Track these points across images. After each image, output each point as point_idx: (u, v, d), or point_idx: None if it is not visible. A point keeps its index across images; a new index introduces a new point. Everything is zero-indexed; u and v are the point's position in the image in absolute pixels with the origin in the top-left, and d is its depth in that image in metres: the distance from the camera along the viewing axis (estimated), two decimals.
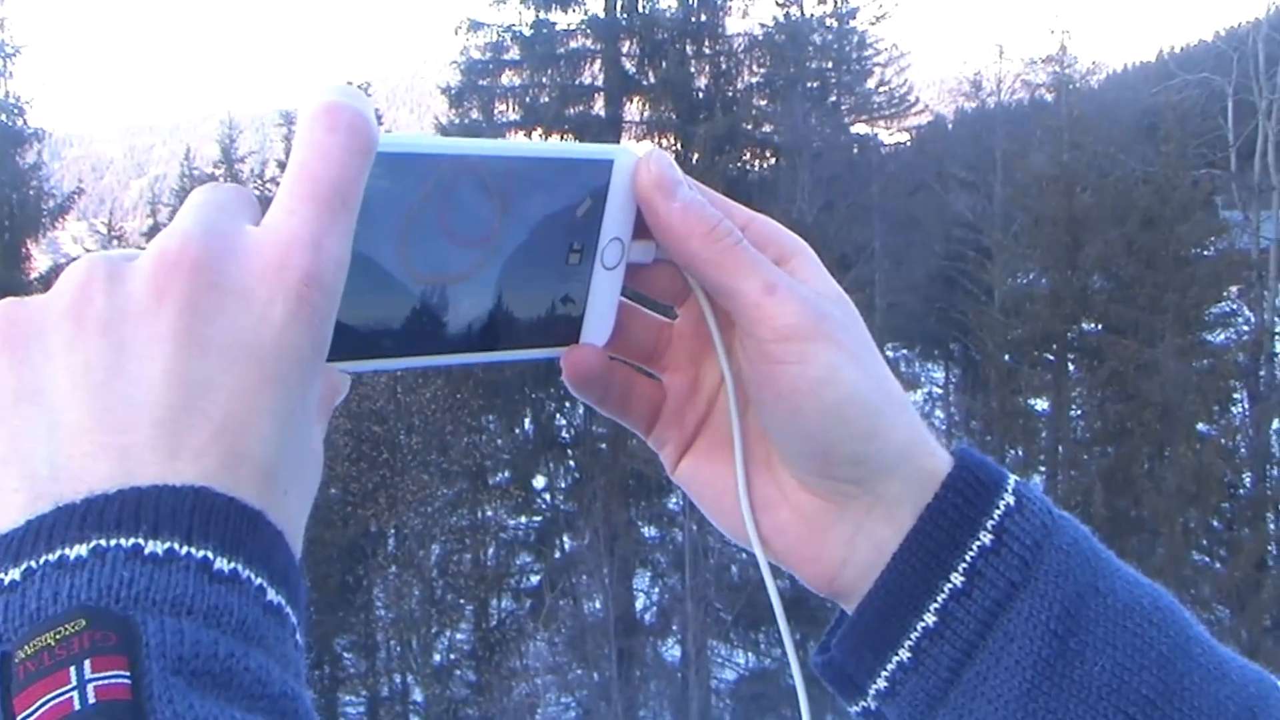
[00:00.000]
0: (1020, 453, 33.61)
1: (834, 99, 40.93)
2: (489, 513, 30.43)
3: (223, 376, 0.67)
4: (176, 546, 0.62)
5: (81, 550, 0.60)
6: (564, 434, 32.88)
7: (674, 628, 29.23)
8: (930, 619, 0.87)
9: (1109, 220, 31.05)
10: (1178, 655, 0.86)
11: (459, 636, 29.05)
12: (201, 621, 0.60)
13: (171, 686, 0.56)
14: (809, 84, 38.92)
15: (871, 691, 0.90)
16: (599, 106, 35.04)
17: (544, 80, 34.88)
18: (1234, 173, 33.93)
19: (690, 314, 0.98)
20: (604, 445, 30.15)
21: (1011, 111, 41.32)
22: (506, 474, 31.49)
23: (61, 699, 0.54)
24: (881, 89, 44.44)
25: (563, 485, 32.59)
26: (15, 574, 0.60)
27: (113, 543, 0.61)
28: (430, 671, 26.70)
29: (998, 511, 0.89)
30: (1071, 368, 32.58)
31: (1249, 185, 32.64)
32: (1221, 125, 35.20)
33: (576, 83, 34.88)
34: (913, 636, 0.88)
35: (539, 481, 32.48)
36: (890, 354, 42.77)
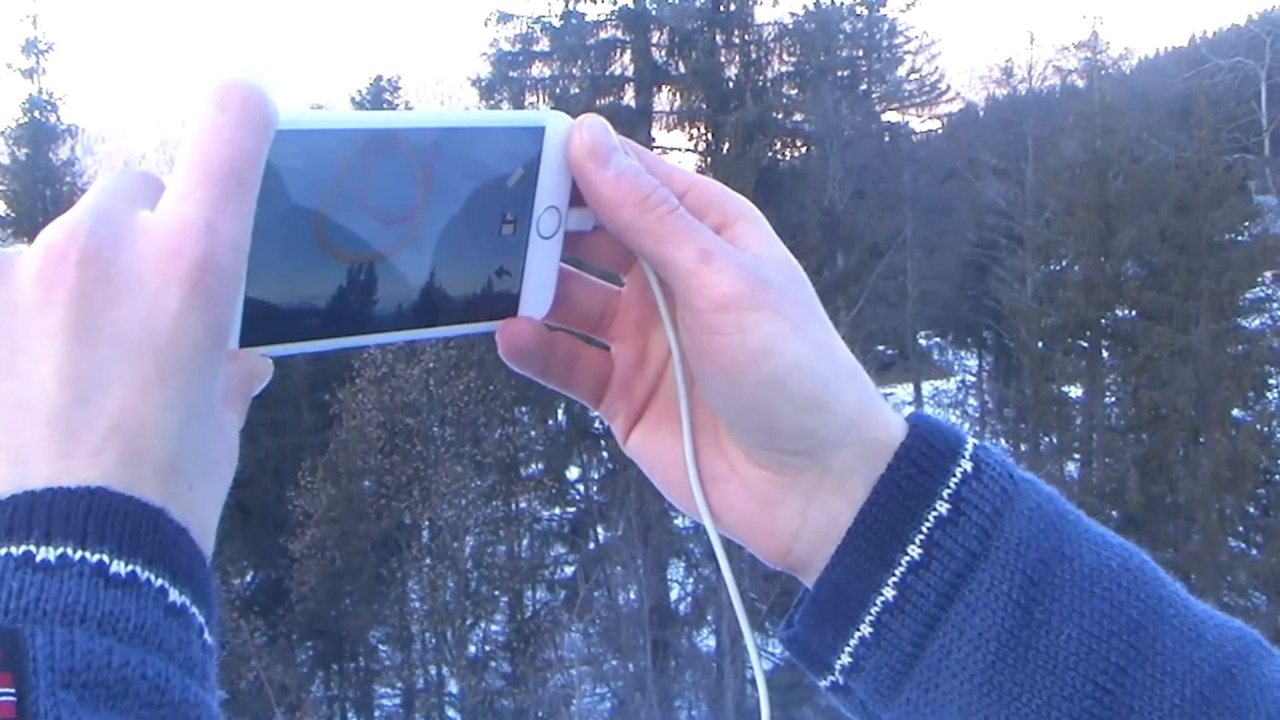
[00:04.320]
0: (1054, 440, 33.51)
1: (865, 87, 40.88)
2: (523, 504, 30.46)
3: (117, 370, 0.65)
4: (70, 552, 0.59)
5: None
6: (597, 425, 32.83)
7: (708, 618, 29.23)
8: (889, 593, 0.85)
9: (1142, 206, 30.90)
10: (1149, 619, 0.84)
11: (494, 628, 29.09)
12: (95, 630, 0.58)
13: (60, 702, 0.54)
14: (840, 72, 38.85)
15: (837, 667, 0.88)
16: (629, 97, 35.01)
17: (574, 71, 34.89)
18: (1268, 157, 33.79)
19: (636, 282, 0.95)
20: None
21: (1043, 98, 41.17)
22: (540, 465, 31.48)
23: None
24: (912, 76, 44.34)
25: (596, 476, 32.54)
26: None
27: (2, 551, 0.59)
28: (465, 663, 26.74)
29: (954, 480, 0.86)
30: (1105, 354, 32.43)
31: None
32: (1255, 109, 35.06)
33: (606, 73, 34.87)
34: (873, 611, 0.86)
35: (572, 473, 32.47)
36: (923, 342, 42.70)
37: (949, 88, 46.11)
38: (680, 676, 28.96)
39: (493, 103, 35.05)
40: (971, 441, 0.89)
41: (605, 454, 32.11)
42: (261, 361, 0.80)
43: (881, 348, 38.12)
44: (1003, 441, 33.03)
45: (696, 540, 30.47)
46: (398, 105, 37.67)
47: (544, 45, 35.19)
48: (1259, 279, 31.52)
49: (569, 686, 27.42)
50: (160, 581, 0.62)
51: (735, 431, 0.90)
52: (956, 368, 42.85)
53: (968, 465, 0.87)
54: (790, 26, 36.46)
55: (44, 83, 30.68)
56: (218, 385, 0.71)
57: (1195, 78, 35.52)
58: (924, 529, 0.85)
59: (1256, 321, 31.26)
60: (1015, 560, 0.84)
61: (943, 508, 0.85)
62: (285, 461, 27.28)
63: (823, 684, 0.90)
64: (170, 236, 0.68)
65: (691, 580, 31.04)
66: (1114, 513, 26.10)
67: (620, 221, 0.87)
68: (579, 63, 34.76)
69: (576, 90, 34.58)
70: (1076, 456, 32.62)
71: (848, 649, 0.87)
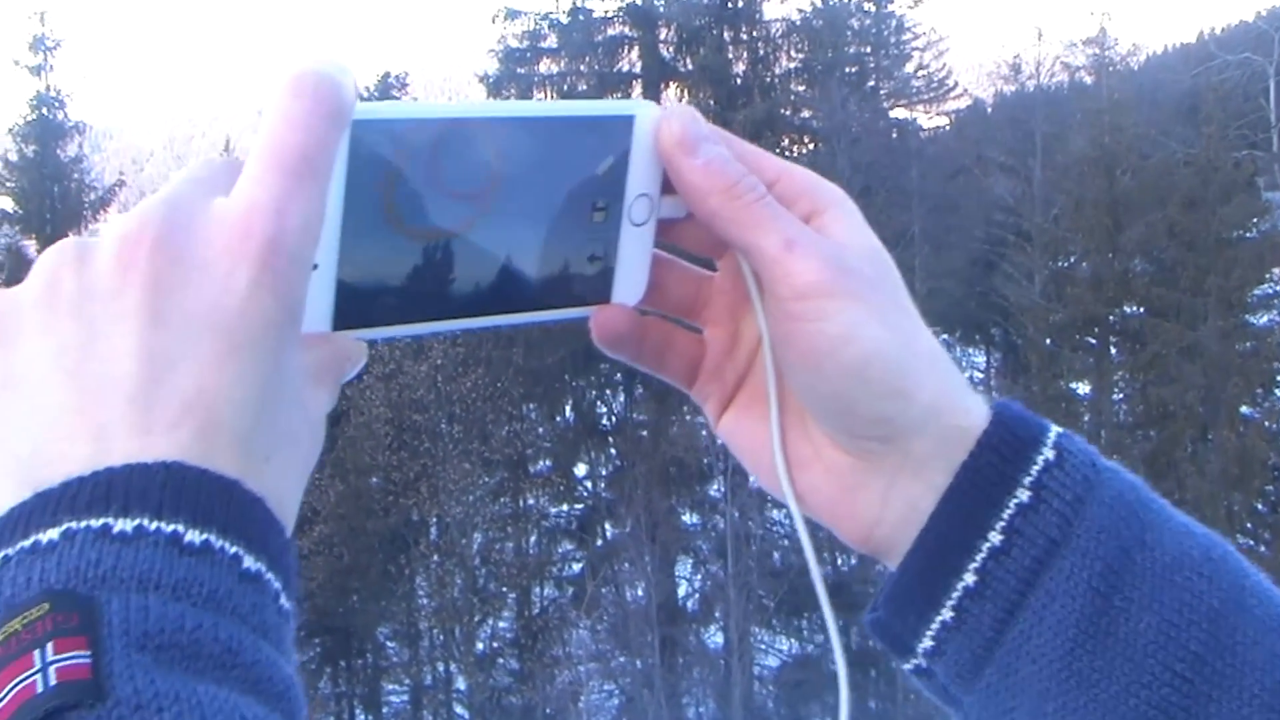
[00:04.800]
0: None
1: (872, 84, 40.84)
2: (530, 501, 30.51)
3: (189, 349, 0.67)
4: (146, 523, 0.62)
5: (53, 534, 0.61)
6: (605, 421, 32.91)
7: (716, 615, 29.23)
8: (970, 578, 0.86)
9: (1150, 203, 30.86)
10: (1229, 608, 0.84)
11: (501, 625, 29.13)
12: (169, 596, 0.60)
13: (134, 663, 0.56)
14: (847, 69, 38.81)
15: (919, 650, 0.89)
16: (637, 93, 34.92)
17: (581, 68, 34.92)
18: (1276, 153, 33.75)
19: (729, 268, 0.96)
20: (645, 433, 30.17)
21: (1051, 94, 41.12)
22: (548, 462, 31.54)
23: (26, 683, 0.55)
24: (920, 73, 44.26)
25: (604, 473, 32.59)
26: None
27: (82, 524, 0.61)
28: (473, 660, 26.79)
29: (1035, 467, 0.87)
30: (1113, 351, 32.39)
31: None
32: (1263, 106, 35.04)
33: (614, 70, 34.90)
34: (954, 596, 0.87)
35: (580, 469, 32.50)
36: None
37: (957, 84, 46.08)
38: (688, 673, 29.00)
39: (500, 99, 35.05)
40: (1055, 429, 0.90)
41: (613, 450, 32.16)
42: (354, 344, 0.83)
43: None
44: None
45: (704, 537, 30.51)
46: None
47: (552, 42, 35.20)
48: (1267, 275, 31.47)
49: (577, 683, 27.46)
50: (234, 549, 0.64)
51: (818, 417, 0.92)
52: (964, 364, 42.80)
53: (1050, 453, 0.88)
54: (798, 23, 36.49)
55: (52, 79, 30.74)
56: (296, 363, 0.73)
57: (1203, 74, 35.50)
58: (1005, 515, 0.86)
59: (1265, 318, 31.22)
60: (1095, 548, 0.85)
61: (1024, 495, 0.86)
62: None
63: (906, 667, 0.91)
64: (240, 220, 0.70)
65: (699, 577, 31.07)
66: None
67: (708, 209, 0.88)
68: (587, 59, 34.80)
69: (584, 87, 34.59)
70: None
71: (930, 633, 0.88)
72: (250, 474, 0.67)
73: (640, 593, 28.13)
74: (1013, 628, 0.85)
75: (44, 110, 30.39)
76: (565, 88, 34.95)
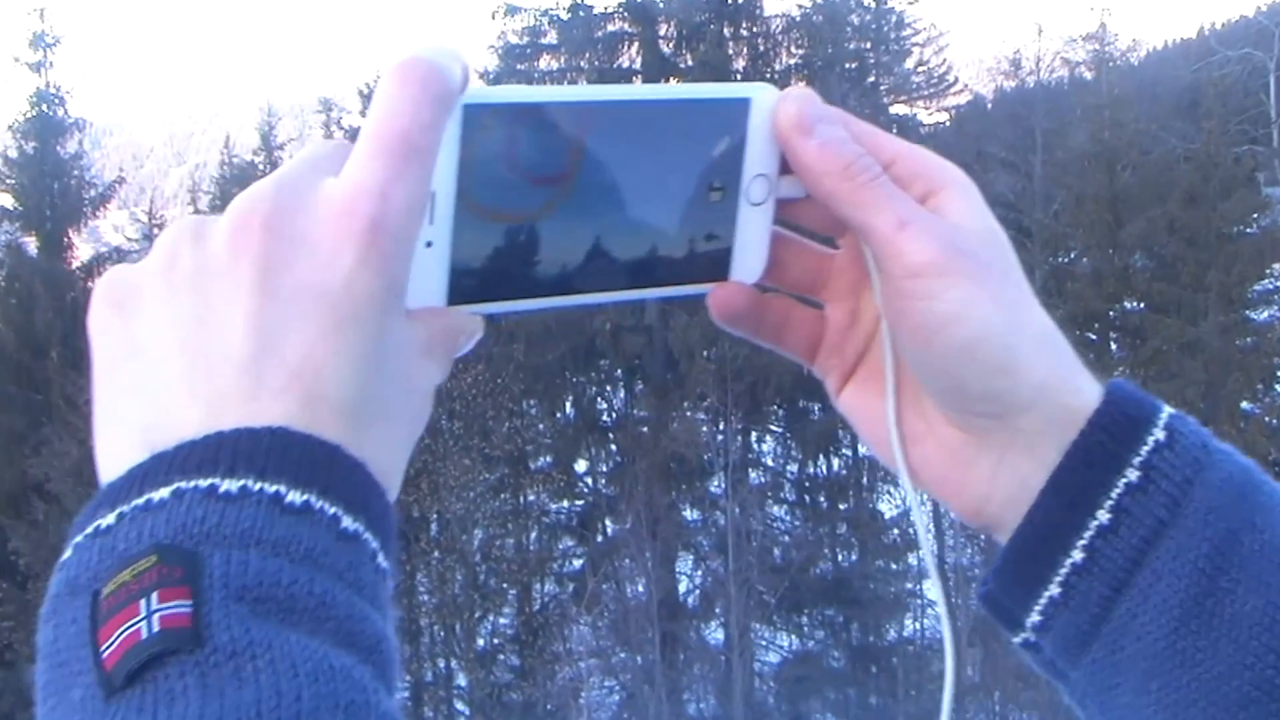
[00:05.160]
0: None
1: (872, 79, 40.79)
2: (531, 497, 30.49)
3: (296, 321, 0.72)
4: (250, 484, 0.66)
5: (165, 493, 0.66)
6: (605, 417, 32.89)
7: (717, 611, 29.23)
8: (1078, 555, 0.88)
9: (1150, 198, 30.84)
10: None
11: (502, 621, 29.12)
12: (269, 552, 0.64)
13: (231, 613, 0.61)
14: (847, 65, 38.77)
15: (1028, 624, 0.91)
16: None
17: (582, 64, 34.83)
18: (1276, 149, 33.73)
19: (850, 246, 0.99)
20: (645, 429, 30.14)
21: (1051, 90, 41.09)
22: (548, 458, 31.51)
23: (132, 629, 0.60)
24: (920, 69, 44.22)
25: (604, 469, 32.56)
26: (110, 519, 0.66)
27: (192, 484, 0.66)
28: (474, 656, 26.78)
29: (1145, 448, 0.88)
30: (1114, 347, 32.37)
31: None
32: (1264, 101, 35.04)
33: (614, 66, 34.83)
34: (1061, 573, 0.88)
35: (581, 465, 32.46)
36: None
37: (957, 80, 46.04)
38: (688, 669, 29.01)
39: None
40: (1167, 410, 0.91)
41: (613, 447, 32.15)
42: (468, 319, 0.86)
43: None
44: None
45: (704, 533, 30.52)
46: None
47: (552, 38, 35.12)
48: (1268, 271, 31.46)
49: (577, 679, 27.46)
50: (333, 510, 0.68)
51: (930, 393, 0.94)
52: None
53: (1160, 434, 0.89)
54: (798, 19, 36.38)
55: (52, 76, 30.65)
56: (402, 336, 0.77)
57: (1204, 69, 35.51)
58: (1113, 495, 0.88)
59: (1265, 314, 31.21)
60: (1203, 529, 0.86)
61: (1133, 475, 0.88)
62: None
63: (1016, 640, 0.93)
64: (345, 200, 0.74)
65: (700, 573, 31.08)
66: None
67: (823, 189, 0.91)
68: (587, 55, 34.72)
69: (583, 84, 34.51)
70: None
71: (1038, 607, 0.90)
72: (352, 440, 0.72)
73: (641, 589, 28.12)
74: (1119, 605, 0.87)
75: (44, 107, 30.32)
76: (565, 83, 34.82)
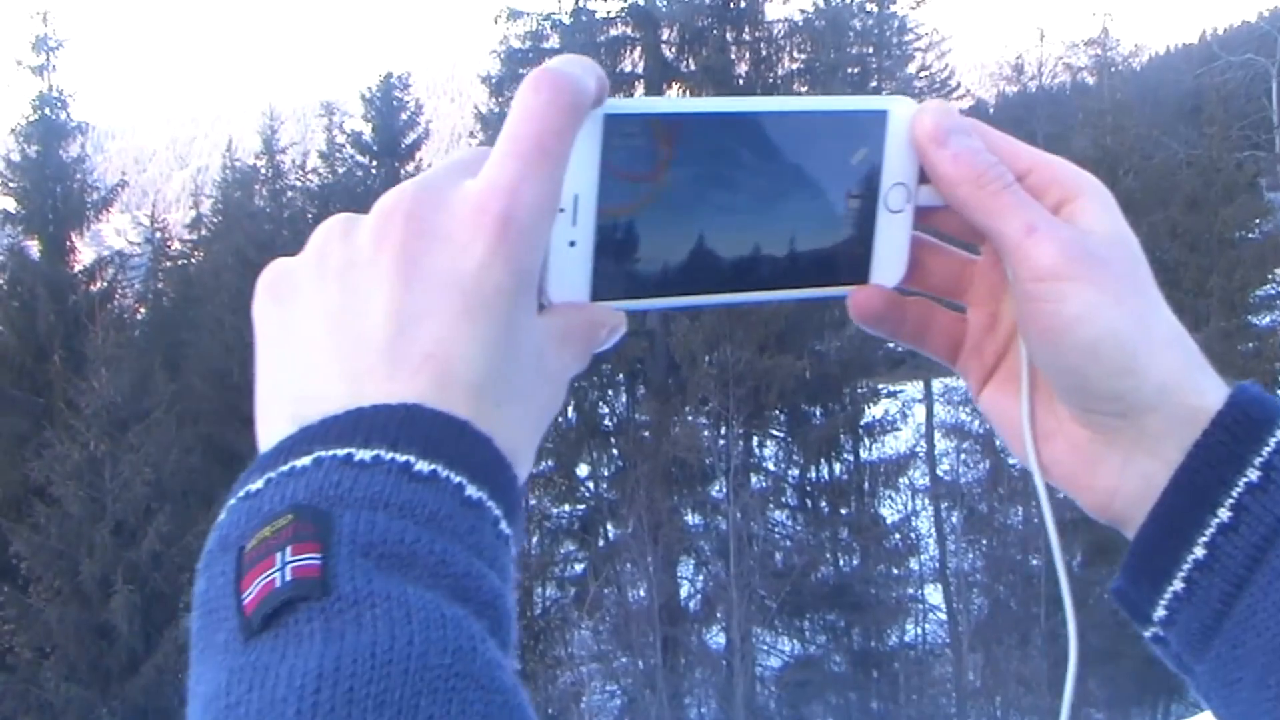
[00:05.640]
0: None
1: (875, 84, 40.79)
2: (532, 501, 30.46)
3: (431, 308, 0.78)
4: (382, 453, 0.72)
5: (306, 461, 0.73)
6: (607, 422, 32.88)
7: (718, 615, 29.24)
8: (1200, 552, 0.90)
9: (1152, 203, 30.86)
10: None
11: None
12: (395, 514, 0.70)
13: (356, 566, 0.67)
14: (850, 69, 38.80)
15: (1155, 619, 0.93)
16: (640, 94, 34.98)
17: None
18: (1279, 154, 33.67)
19: (990, 252, 1.03)
20: (647, 433, 30.16)
21: (1053, 95, 41.18)
22: (550, 462, 31.49)
23: (269, 579, 0.67)
24: (923, 74, 44.27)
25: (606, 473, 32.58)
26: (259, 484, 0.73)
27: (330, 453, 0.73)
28: None
29: (1267, 449, 0.90)
30: None
31: None
32: (1266, 106, 35.03)
33: (617, 70, 34.83)
34: (1184, 568, 0.91)
35: (582, 470, 32.49)
36: None
37: (959, 85, 46.10)
38: (689, 674, 29.01)
39: (503, 100, 35.06)
40: None
41: (615, 451, 32.15)
42: (609, 314, 0.91)
43: (891, 345, 37.91)
44: None
45: (706, 538, 30.50)
46: (408, 103, 37.76)
47: (554, 42, 35.12)
48: (1270, 276, 31.52)
49: (579, 684, 27.49)
50: (459, 479, 0.74)
51: (1058, 392, 0.98)
52: None
53: None
54: (800, 23, 36.44)
55: (54, 80, 30.66)
56: (533, 326, 0.83)
57: (1206, 75, 35.51)
58: (1234, 493, 0.90)
59: (1268, 319, 31.27)
60: None
61: (1253, 474, 0.90)
62: None
63: (1145, 634, 0.96)
64: (479, 197, 0.80)
65: (701, 577, 31.07)
66: None
67: (958, 197, 0.96)
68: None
69: None
70: None
71: (1163, 602, 0.93)
72: (480, 418, 0.77)
73: (642, 593, 28.14)
74: (1239, 602, 0.89)
75: (46, 111, 30.33)
76: None
